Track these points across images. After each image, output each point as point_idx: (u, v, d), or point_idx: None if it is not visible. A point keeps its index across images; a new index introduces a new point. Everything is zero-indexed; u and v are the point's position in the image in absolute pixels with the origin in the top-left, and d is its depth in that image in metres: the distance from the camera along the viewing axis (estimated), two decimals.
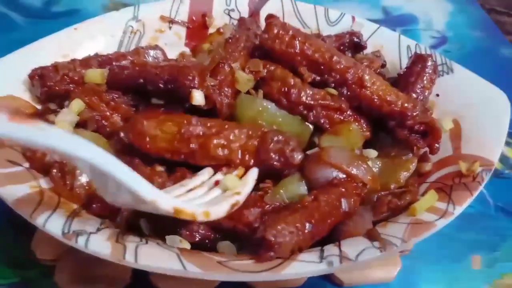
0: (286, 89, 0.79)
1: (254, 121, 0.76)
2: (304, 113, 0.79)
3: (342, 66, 0.80)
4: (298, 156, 0.71)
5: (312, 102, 0.79)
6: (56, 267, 0.73)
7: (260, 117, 0.77)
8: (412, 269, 0.81)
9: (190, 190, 0.67)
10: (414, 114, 0.77)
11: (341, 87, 0.80)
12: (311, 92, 0.79)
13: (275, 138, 0.71)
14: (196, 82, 0.71)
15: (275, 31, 0.80)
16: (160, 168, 0.72)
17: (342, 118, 0.81)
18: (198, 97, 0.72)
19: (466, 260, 0.84)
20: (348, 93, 0.80)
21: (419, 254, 0.82)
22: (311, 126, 0.79)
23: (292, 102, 0.78)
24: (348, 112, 0.81)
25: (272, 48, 0.81)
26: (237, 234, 0.67)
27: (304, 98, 0.79)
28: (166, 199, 0.58)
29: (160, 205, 0.56)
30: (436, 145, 0.77)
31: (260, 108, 0.78)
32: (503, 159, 1.04)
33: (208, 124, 0.72)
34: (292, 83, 0.79)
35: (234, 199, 0.65)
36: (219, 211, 0.63)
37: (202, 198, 0.66)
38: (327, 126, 0.80)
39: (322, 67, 0.80)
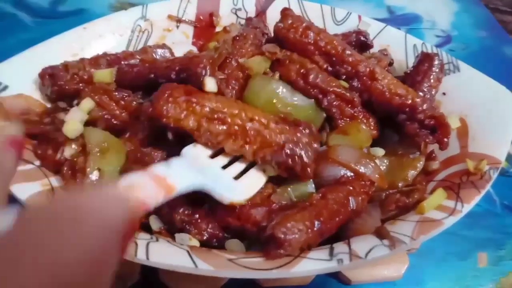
0: (304, 70, 0.79)
1: (269, 102, 0.76)
2: (319, 97, 0.79)
3: (354, 58, 0.80)
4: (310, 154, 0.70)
5: (328, 88, 0.79)
6: None
7: (275, 98, 0.77)
8: (419, 267, 0.81)
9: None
10: (424, 107, 0.77)
11: (352, 79, 0.81)
12: (328, 78, 0.79)
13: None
14: (208, 69, 0.72)
15: (290, 21, 0.81)
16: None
17: (352, 112, 0.80)
18: (210, 84, 0.72)
19: (472, 257, 0.85)
20: (359, 85, 0.80)
21: (426, 252, 0.83)
22: (324, 114, 0.80)
23: (309, 83, 0.78)
24: (359, 108, 0.81)
25: (286, 36, 0.81)
26: (245, 233, 0.67)
27: (319, 81, 0.79)
28: (227, 197, 0.65)
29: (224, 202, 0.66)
30: (445, 139, 0.76)
31: (276, 90, 0.77)
32: (509, 157, 1.04)
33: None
34: (310, 67, 0.80)
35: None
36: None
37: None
38: (338, 117, 0.80)
39: (334, 59, 0.80)
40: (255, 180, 0.70)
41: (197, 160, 0.67)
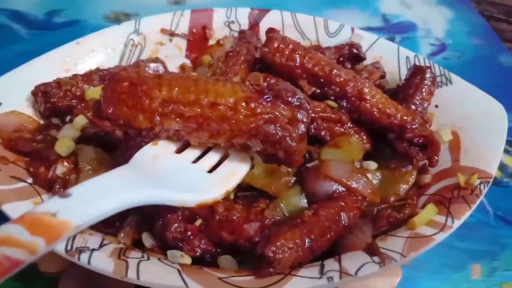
0: None
1: None
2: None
3: (341, 79, 0.81)
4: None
5: (313, 115, 0.80)
6: (60, 280, 0.74)
7: None
8: (412, 279, 0.82)
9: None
10: (413, 127, 0.77)
11: (341, 99, 0.81)
12: (311, 105, 0.80)
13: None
14: None
15: (276, 44, 0.82)
16: None
17: (342, 130, 0.82)
18: None
19: (466, 269, 0.85)
20: (348, 105, 0.81)
21: (420, 264, 0.83)
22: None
23: None
24: (349, 124, 0.82)
25: (273, 61, 0.82)
26: (238, 249, 0.67)
27: None
28: (192, 200, 0.61)
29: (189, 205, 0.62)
30: (435, 158, 0.77)
31: None
32: (502, 167, 1.05)
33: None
34: None
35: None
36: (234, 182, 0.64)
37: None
38: (328, 138, 0.81)
39: (322, 80, 0.81)
40: (235, 170, 0.65)
41: (155, 163, 0.61)
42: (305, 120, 0.61)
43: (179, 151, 0.64)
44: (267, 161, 0.64)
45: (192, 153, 0.64)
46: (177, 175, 0.61)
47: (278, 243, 0.60)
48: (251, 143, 0.60)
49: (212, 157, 0.65)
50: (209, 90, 0.60)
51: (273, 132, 0.60)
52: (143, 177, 0.59)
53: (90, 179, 0.57)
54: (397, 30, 1.49)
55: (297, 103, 0.61)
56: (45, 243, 0.45)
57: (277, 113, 0.60)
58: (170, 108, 0.60)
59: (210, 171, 0.65)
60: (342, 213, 0.68)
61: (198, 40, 1.06)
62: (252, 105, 0.60)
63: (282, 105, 0.60)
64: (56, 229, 0.47)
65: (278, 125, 0.60)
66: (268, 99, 0.61)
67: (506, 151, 1.08)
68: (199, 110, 0.60)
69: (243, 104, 0.60)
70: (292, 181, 0.73)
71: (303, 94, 0.64)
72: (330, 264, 0.62)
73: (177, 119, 0.60)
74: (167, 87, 0.61)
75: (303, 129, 0.61)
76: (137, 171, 0.60)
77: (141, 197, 0.57)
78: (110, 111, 0.61)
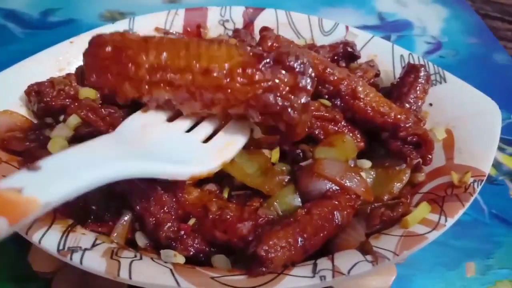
0: None
1: None
2: None
3: (335, 78, 0.80)
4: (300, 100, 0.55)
5: None
6: (54, 280, 0.74)
7: None
8: (407, 277, 0.82)
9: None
10: (407, 125, 0.77)
11: (335, 98, 0.81)
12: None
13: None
14: None
15: (269, 43, 0.81)
16: None
17: (336, 128, 0.81)
18: None
19: (460, 267, 0.85)
20: (342, 104, 0.81)
21: (414, 262, 0.84)
22: None
23: None
24: (343, 123, 0.82)
25: None
26: (231, 248, 0.67)
27: None
28: (185, 172, 0.56)
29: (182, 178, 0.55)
30: (429, 156, 0.77)
31: None
32: (497, 165, 1.05)
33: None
34: None
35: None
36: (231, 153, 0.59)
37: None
38: (322, 137, 0.81)
39: (316, 79, 0.80)
40: (233, 139, 0.60)
41: (144, 132, 0.56)
42: (309, 87, 0.55)
43: (171, 119, 0.59)
44: (267, 132, 0.59)
45: (185, 122, 0.59)
46: (169, 145, 0.56)
47: (271, 242, 0.60)
48: (249, 113, 0.55)
49: (207, 127, 0.59)
50: (201, 55, 0.54)
51: (272, 102, 0.54)
52: (129, 147, 0.53)
53: (65, 150, 0.51)
54: (392, 28, 1.49)
55: (301, 69, 0.55)
56: (8, 223, 0.41)
57: (277, 81, 0.54)
58: (159, 75, 0.55)
59: (206, 141, 0.60)
60: (335, 212, 0.68)
61: None
62: (250, 71, 0.54)
63: (283, 72, 0.54)
64: (21, 207, 0.42)
65: (278, 95, 0.53)
66: (268, 65, 0.54)
67: (501, 149, 1.09)
68: (190, 77, 0.55)
69: (239, 70, 0.54)
70: (286, 180, 0.73)
71: (308, 58, 0.56)
72: (323, 263, 0.62)
73: (167, 88, 0.55)
74: (154, 52, 0.55)
75: (306, 98, 0.55)
76: (123, 140, 0.54)
77: (125, 169, 0.51)
78: (93, 79, 0.57)
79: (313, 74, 0.55)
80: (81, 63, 0.90)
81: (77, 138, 0.76)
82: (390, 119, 0.78)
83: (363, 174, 0.77)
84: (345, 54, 0.97)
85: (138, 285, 0.58)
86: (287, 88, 0.54)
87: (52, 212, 0.67)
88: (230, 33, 1.04)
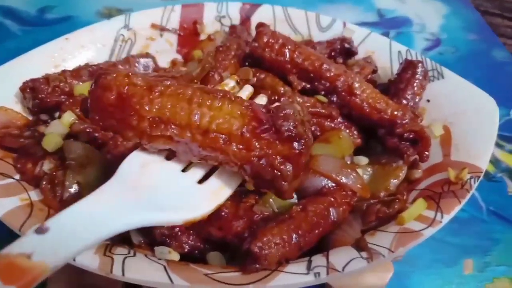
0: (276, 97, 0.79)
1: None
2: None
3: (331, 74, 0.80)
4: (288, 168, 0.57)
5: None
6: (49, 278, 0.74)
7: None
8: (404, 274, 0.81)
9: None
10: (404, 122, 0.77)
11: (331, 94, 0.81)
12: (301, 100, 0.80)
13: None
14: None
15: (265, 39, 0.81)
16: None
17: (333, 125, 0.81)
18: None
19: (458, 264, 0.85)
20: (338, 100, 0.81)
21: (412, 259, 0.83)
22: None
23: None
24: (339, 120, 0.82)
25: (262, 56, 0.81)
26: (227, 245, 0.67)
27: None
28: (179, 219, 0.59)
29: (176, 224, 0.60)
30: (426, 153, 0.77)
31: None
32: (496, 162, 1.04)
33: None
34: (282, 92, 0.80)
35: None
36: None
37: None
38: (318, 133, 0.80)
39: (312, 75, 0.80)
40: (227, 182, 0.62)
41: (143, 173, 0.59)
42: (303, 154, 0.57)
43: (169, 156, 0.62)
44: (258, 188, 0.62)
45: (182, 161, 0.62)
46: (166, 188, 0.59)
47: (265, 239, 0.60)
48: (242, 173, 0.58)
49: (203, 167, 0.62)
50: (203, 113, 0.57)
51: (265, 171, 0.57)
52: (129, 196, 0.56)
53: (71, 206, 0.53)
54: (391, 25, 1.49)
55: (297, 135, 0.57)
56: None
57: (271, 152, 0.56)
58: (159, 131, 0.57)
59: (201, 180, 0.63)
60: (331, 209, 0.68)
61: (189, 35, 1.05)
62: (248, 135, 0.56)
63: (279, 144, 0.57)
64: (31, 274, 0.45)
65: (271, 165, 0.56)
66: (266, 130, 0.57)
67: (499, 146, 1.08)
68: (189, 135, 0.57)
69: (238, 134, 0.57)
70: None
71: (305, 113, 0.59)
72: (318, 259, 0.62)
73: (167, 141, 0.58)
74: (158, 104, 0.57)
75: (298, 166, 0.57)
76: (124, 188, 0.57)
77: (126, 224, 0.55)
78: (97, 119, 0.59)
79: (311, 139, 0.59)
80: (76, 59, 0.92)
81: (72, 134, 0.76)
82: (387, 115, 0.78)
83: (359, 170, 0.76)
84: (342, 50, 0.97)
85: (131, 282, 0.58)
86: (281, 159, 0.57)
87: (46, 209, 0.67)
88: (227, 29, 1.04)
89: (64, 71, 0.84)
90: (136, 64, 0.89)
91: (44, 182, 0.70)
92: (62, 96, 0.81)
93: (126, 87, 0.58)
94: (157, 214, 0.58)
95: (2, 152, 0.75)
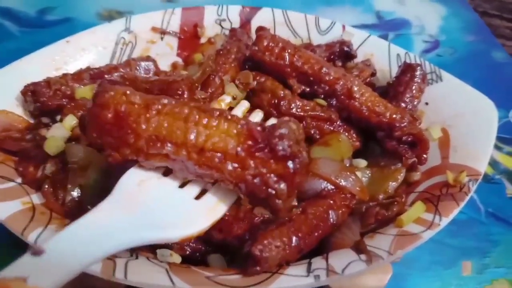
0: (276, 101, 0.80)
1: None
2: None
3: (331, 77, 0.81)
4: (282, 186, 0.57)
5: (302, 114, 0.80)
6: None
7: None
8: (403, 276, 0.82)
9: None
10: (402, 125, 0.78)
11: (330, 98, 0.82)
12: (300, 104, 0.81)
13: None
14: (185, 96, 0.72)
15: (265, 43, 0.82)
16: None
17: (332, 128, 0.82)
18: None
19: (456, 266, 0.85)
20: (337, 104, 0.81)
21: (411, 261, 0.83)
22: None
23: (282, 114, 0.80)
24: (338, 123, 0.82)
25: (262, 60, 0.82)
26: (227, 247, 0.67)
27: (294, 109, 0.80)
28: (176, 236, 0.59)
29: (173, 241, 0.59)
30: (424, 156, 0.78)
31: None
32: (494, 164, 1.05)
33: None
34: (281, 95, 0.80)
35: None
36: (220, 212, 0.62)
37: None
38: (318, 136, 0.81)
39: (312, 79, 0.81)
40: (223, 197, 0.63)
41: (140, 190, 0.59)
42: (298, 173, 0.57)
43: (166, 172, 0.63)
44: (253, 205, 0.63)
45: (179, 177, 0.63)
46: (164, 205, 0.60)
47: (265, 242, 0.60)
48: (237, 191, 0.59)
49: (200, 182, 0.62)
50: (199, 132, 0.58)
51: (259, 189, 0.57)
52: (126, 215, 0.57)
53: (67, 227, 0.53)
54: (390, 27, 1.49)
55: (291, 155, 0.57)
56: None
57: (266, 171, 0.57)
58: (155, 149, 0.58)
59: (198, 195, 0.63)
60: (330, 211, 0.69)
61: (189, 38, 1.05)
62: (243, 154, 0.57)
63: (274, 163, 0.57)
64: None
65: (265, 184, 0.57)
66: (261, 149, 0.57)
67: (498, 148, 1.09)
68: (185, 153, 0.58)
69: (234, 153, 0.57)
70: None
71: (301, 131, 0.60)
72: (317, 262, 0.63)
73: (163, 159, 0.59)
74: (155, 122, 0.58)
75: (293, 185, 0.58)
76: (121, 207, 0.57)
77: (123, 244, 0.55)
78: (94, 136, 0.60)
79: (305, 158, 0.59)
80: (77, 62, 0.92)
81: (74, 138, 0.76)
82: (385, 118, 0.78)
83: (358, 173, 0.77)
84: (342, 53, 0.97)
85: (134, 285, 0.58)
86: (275, 178, 0.57)
87: (48, 212, 0.68)
88: (227, 32, 1.04)
89: (65, 74, 0.84)
90: (137, 68, 0.90)
91: (46, 186, 0.70)
92: (64, 100, 0.81)
93: (124, 106, 0.59)
94: (154, 232, 0.58)
95: (3, 155, 0.75)
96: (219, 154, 0.57)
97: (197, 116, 0.58)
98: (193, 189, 0.62)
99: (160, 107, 0.59)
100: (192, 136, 0.57)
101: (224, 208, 0.63)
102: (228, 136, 0.57)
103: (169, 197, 0.61)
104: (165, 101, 0.59)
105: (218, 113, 0.59)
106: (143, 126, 0.58)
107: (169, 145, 0.57)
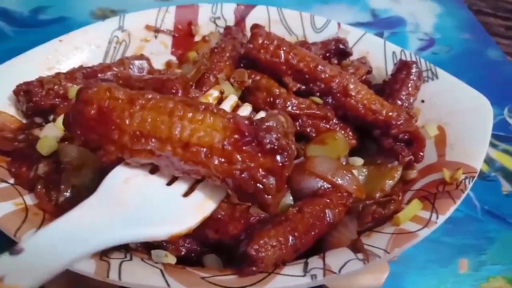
0: (271, 99, 0.80)
1: None
2: None
3: (326, 75, 0.80)
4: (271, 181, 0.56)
5: (298, 112, 0.80)
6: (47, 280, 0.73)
7: None
8: (400, 275, 0.82)
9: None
10: (398, 123, 0.77)
11: (326, 96, 0.81)
12: (296, 102, 0.80)
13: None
14: (179, 95, 0.72)
15: (260, 41, 0.81)
16: None
17: (328, 126, 0.81)
18: None
19: (453, 264, 0.85)
20: (333, 102, 0.81)
21: (407, 259, 0.83)
22: None
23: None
24: (334, 121, 0.82)
25: (257, 58, 0.81)
26: (223, 247, 0.67)
27: (289, 107, 0.80)
28: (164, 233, 0.58)
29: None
30: (421, 153, 0.78)
31: None
32: (490, 161, 1.05)
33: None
34: (277, 93, 0.80)
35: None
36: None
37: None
38: (314, 134, 0.81)
39: (307, 77, 0.81)
40: (211, 194, 0.61)
41: (126, 188, 0.58)
42: (286, 167, 0.56)
43: (153, 170, 0.61)
44: (242, 201, 0.61)
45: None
46: (151, 202, 0.59)
47: (261, 242, 0.60)
48: (225, 187, 0.58)
49: (188, 179, 0.61)
50: (184, 126, 0.56)
51: (247, 184, 0.56)
52: (111, 212, 0.55)
53: (49, 225, 0.52)
54: (386, 25, 1.49)
55: (279, 148, 0.55)
56: None
57: (254, 165, 0.55)
58: (140, 145, 0.57)
59: (186, 193, 0.62)
60: (327, 210, 0.68)
61: (183, 37, 1.05)
62: (229, 148, 0.55)
63: (261, 157, 0.55)
64: None
65: (253, 178, 0.55)
66: (248, 142, 0.56)
67: (493, 145, 1.09)
68: (170, 149, 0.56)
69: (219, 146, 0.56)
70: None
71: (290, 124, 0.59)
72: (314, 261, 0.62)
73: (148, 155, 0.57)
74: (138, 117, 0.57)
75: (282, 179, 0.56)
76: (105, 204, 0.56)
77: (107, 242, 0.54)
78: (79, 133, 0.59)
79: (293, 151, 0.57)
80: (70, 61, 0.91)
81: (67, 137, 0.75)
82: (382, 116, 0.78)
83: (355, 171, 0.77)
84: (337, 51, 0.97)
85: (128, 286, 0.58)
86: (263, 172, 0.55)
87: (41, 213, 0.67)
88: (222, 30, 1.03)
89: (58, 74, 0.83)
90: (131, 66, 0.89)
91: (39, 186, 0.69)
92: (57, 99, 0.80)
93: (107, 101, 0.57)
94: (141, 229, 0.57)
95: None
96: (204, 149, 0.55)
97: (182, 111, 0.56)
98: (180, 187, 0.61)
99: (144, 102, 0.57)
100: (176, 131, 0.56)
101: (213, 205, 0.61)
102: (214, 130, 0.56)
103: (156, 195, 0.59)
104: (149, 95, 0.58)
105: (203, 107, 0.57)
106: (127, 122, 0.57)
107: (153, 140, 0.56)
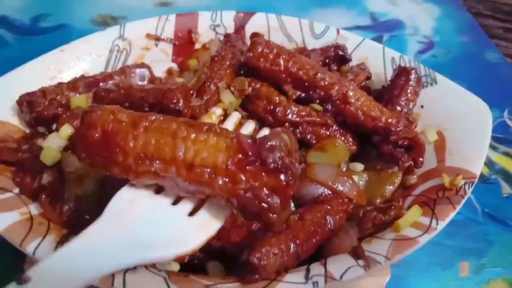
0: (271, 107, 0.80)
1: None
2: (291, 129, 0.80)
3: (326, 82, 0.81)
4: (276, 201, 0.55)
5: (298, 119, 0.81)
6: None
7: None
8: (401, 278, 0.83)
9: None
10: (398, 129, 0.78)
11: (326, 103, 0.82)
12: (296, 109, 0.81)
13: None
14: (180, 105, 0.72)
15: (260, 49, 0.82)
16: None
17: (328, 133, 0.82)
18: None
19: (454, 267, 0.86)
20: (333, 109, 0.81)
21: (409, 263, 0.84)
22: None
23: (278, 120, 0.80)
24: (334, 127, 0.82)
25: (257, 66, 0.82)
26: (226, 254, 0.67)
27: (290, 115, 0.80)
28: (170, 255, 0.58)
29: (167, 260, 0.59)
30: (420, 159, 0.78)
31: None
32: (490, 164, 1.06)
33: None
34: (277, 101, 0.81)
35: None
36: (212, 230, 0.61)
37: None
38: (314, 141, 0.81)
39: (307, 84, 0.81)
40: (217, 213, 0.61)
41: (132, 210, 0.58)
42: (290, 185, 0.55)
43: (158, 190, 0.62)
44: (247, 220, 0.61)
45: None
46: (156, 224, 0.59)
47: (263, 250, 0.60)
48: (230, 206, 0.58)
49: (193, 198, 0.61)
50: (188, 147, 0.56)
51: (251, 203, 0.55)
52: (118, 237, 0.56)
53: (55, 252, 0.53)
54: (385, 28, 1.50)
55: (283, 167, 0.55)
56: None
57: (258, 184, 0.55)
58: (144, 167, 0.57)
59: (192, 212, 0.62)
60: (328, 217, 0.69)
61: (184, 44, 1.05)
62: (233, 168, 0.55)
63: (265, 176, 0.55)
64: None
65: (258, 197, 0.55)
66: (251, 162, 0.55)
67: (494, 148, 1.09)
68: (174, 170, 0.56)
69: (223, 167, 0.55)
70: None
71: (293, 142, 0.58)
72: (316, 268, 0.63)
73: (153, 176, 0.58)
74: (142, 139, 0.57)
75: (286, 198, 0.56)
76: (111, 230, 0.56)
77: (114, 267, 0.55)
78: (84, 156, 0.60)
79: (297, 170, 0.57)
80: (72, 71, 0.92)
81: (69, 147, 0.76)
82: (381, 123, 0.79)
83: (355, 177, 0.77)
84: (336, 57, 0.98)
85: None
86: (267, 191, 0.55)
87: (46, 222, 0.68)
88: (222, 37, 1.04)
89: (60, 84, 0.84)
90: (132, 75, 0.89)
91: (43, 196, 0.70)
92: (59, 109, 0.81)
93: (111, 124, 0.58)
94: (147, 252, 0.57)
95: (0, 166, 0.75)
96: (208, 170, 0.55)
97: (185, 132, 0.57)
98: (186, 206, 0.61)
99: (147, 124, 0.58)
100: (180, 152, 0.56)
101: (218, 224, 0.61)
102: (217, 151, 0.56)
103: (162, 215, 0.59)
104: (153, 117, 0.58)
105: (206, 127, 0.57)
106: (131, 144, 0.57)
107: (157, 162, 0.56)
